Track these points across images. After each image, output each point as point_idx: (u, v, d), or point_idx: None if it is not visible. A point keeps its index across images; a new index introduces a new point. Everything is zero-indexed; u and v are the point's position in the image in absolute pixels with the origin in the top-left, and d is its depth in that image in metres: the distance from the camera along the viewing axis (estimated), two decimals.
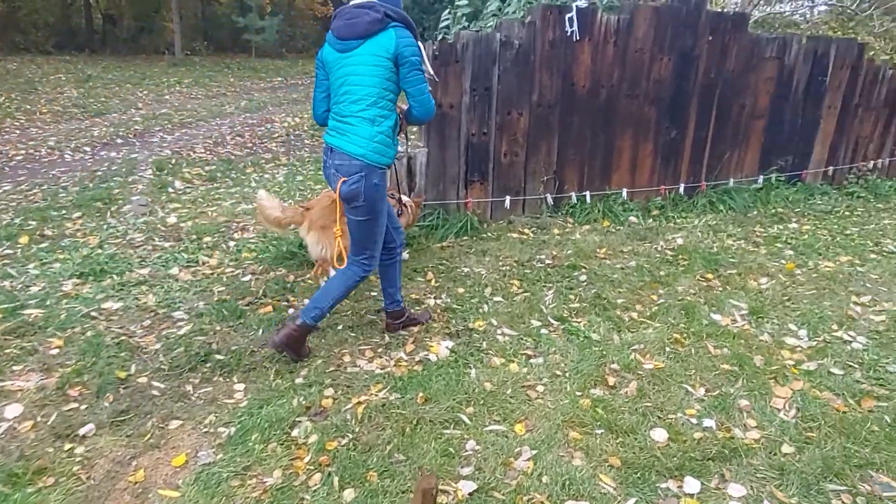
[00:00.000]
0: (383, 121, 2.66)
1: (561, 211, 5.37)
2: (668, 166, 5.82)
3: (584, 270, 4.30)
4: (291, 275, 4.13)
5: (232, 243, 4.72)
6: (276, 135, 9.53)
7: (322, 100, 2.82)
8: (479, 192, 4.99)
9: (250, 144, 8.82)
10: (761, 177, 6.42)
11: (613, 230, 5.21)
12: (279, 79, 17.60)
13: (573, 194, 5.35)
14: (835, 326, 3.65)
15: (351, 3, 2.65)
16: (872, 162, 7.32)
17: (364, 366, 3.09)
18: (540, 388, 2.93)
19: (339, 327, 3.44)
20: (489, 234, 4.93)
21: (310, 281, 4.01)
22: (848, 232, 5.48)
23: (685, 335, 3.45)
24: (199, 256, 4.43)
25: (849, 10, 10.66)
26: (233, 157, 7.95)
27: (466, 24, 4.73)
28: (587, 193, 5.40)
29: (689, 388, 2.96)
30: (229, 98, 13.48)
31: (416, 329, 3.42)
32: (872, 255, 4.88)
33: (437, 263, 4.34)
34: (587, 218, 5.34)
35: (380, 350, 3.24)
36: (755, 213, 5.98)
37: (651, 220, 5.51)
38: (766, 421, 2.74)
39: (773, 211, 6.04)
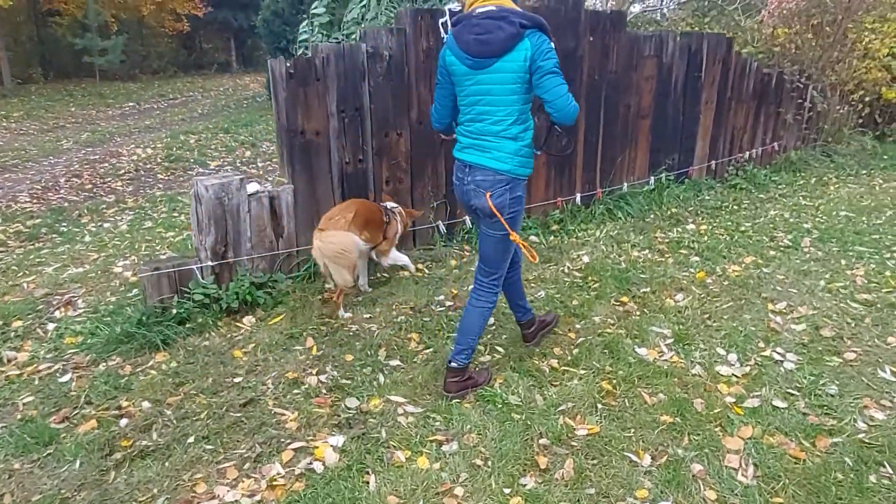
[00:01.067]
0: (525, 134, 2.58)
1: (456, 238, 4.81)
2: (562, 176, 5.46)
3: None
4: (128, 364, 3.20)
5: (51, 326, 3.68)
6: (123, 171, 8.22)
7: (447, 107, 2.64)
8: None
9: (89, 186, 7.49)
10: (652, 178, 6.28)
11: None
12: (130, 104, 15.75)
13: (467, 218, 4.81)
14: (762, 344, 3.36)
15: (476, 9, 2.36)
16: (748, 152, 7.49)
17: (226, 495, 2.30)
18: (459, 492, 2.30)
19: (191, 440, 2.61)
20: (379, 275, 4.25)
21: (153, 373, 3.11)
22: (742, 228, 5.40)
23: (615, 382, 2.98)
24: (2, 352, 3.37)
25: (704, 5, 11.13)
26: (65, 205, 6.65)
27: (325, 34, 4.06)
28: (466, 220, 4.89)
29: (634, 458, 2.47)
30: (68, 131, 11.71)
31: (322, 411, 2.75)
32: (772, 252, 4.78)
33: (319, 324, 3.60)
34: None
35: (247, 466, 2.46)
36: (652, 216, 5.79)
37: (552, 237, 5.11)
38: (727, 489, 2.30)
39: (669, 213, 5.88)
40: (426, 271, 4.38)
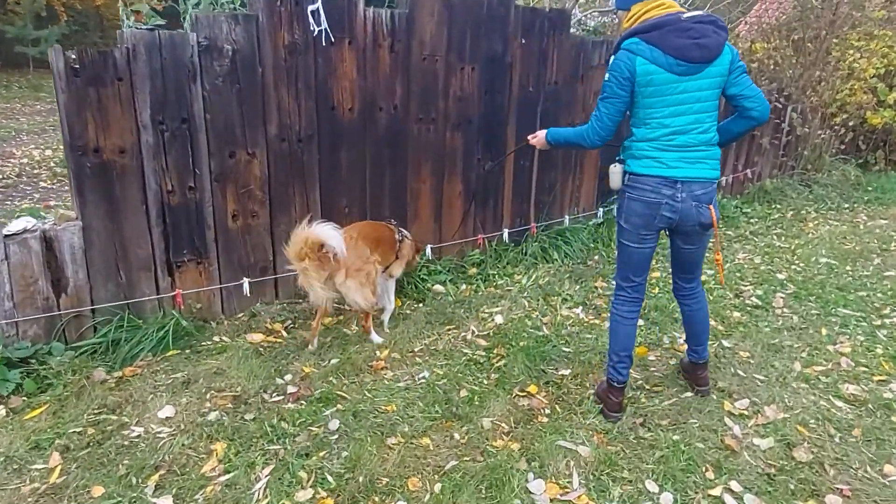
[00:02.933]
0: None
1: None
2: (485, 208, 4.45)
3: (340, 407, 2.70)
4: None
5: None
6: (2, 176, 7.05)
7: (618, 122, 2.44)
8: (195, 277, 3.24)
9: None
10: (601, 210, 5.30)
11: (409, 311, 3.69)
12: None
13: None
14: (710, 474, 2.36)
15: (682, 14, 2.26)
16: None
17: None
18: None
19: None
20: (214, 343, 3.18)
21: None
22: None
23: None
24: None
25: None
26: None
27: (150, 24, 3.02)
28: None
29: None
30: None
31: None
32: (737, 315, 3.81)
33: (89, 421, 2.52)
34: None
35: None
36: (596, 257, 4.81)
37: (464, 286, 4.09)
38: None
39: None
40: (284, 334, 3.32)
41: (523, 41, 4.24)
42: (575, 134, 2.57)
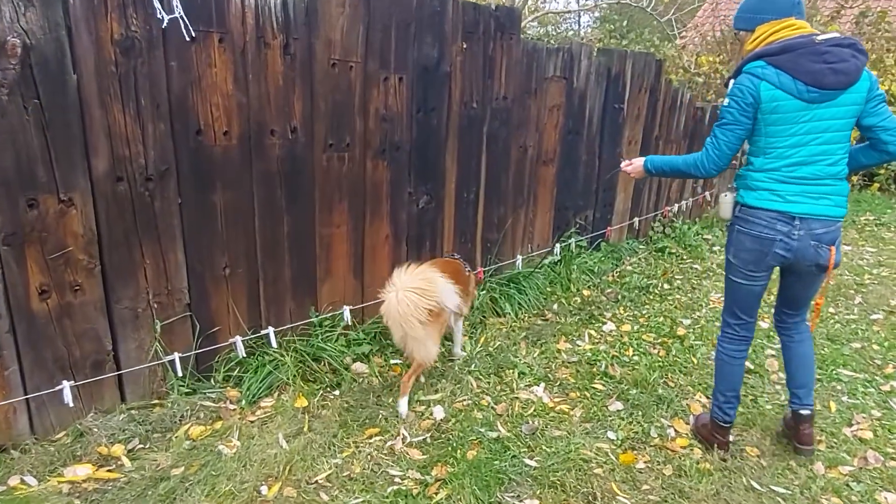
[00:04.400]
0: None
1: (214, 379, 2.74)
2: (420, 252, 3.54)
3: None
4: None
5: None
6: None
7: (735, 151, 2.25)
8: None
9: None
10: (558, 246, 4.50)
11: (319, 405, 2.72)
12: None
13: (237, 341, 2.75)
14: None
15: (816, 36, 2.08)
16: (677, 205, 5.94)
17: None
18: None
19: None
20: (8, 490, 2.10)
21: None
22: (680, 331, 3.68)
23: None
24: None
25: (623, 26, 9.76)
26: None
27: None
28: (270, 332, 2.85)
29: None
30: None
31: None
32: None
33: None
34: (268, 386, 2.77)
35: None
36: (556, 306, 4.00)
37: (395, 360, 3.15)
38: None
39: (579, 301, 4.11)
40: (126, 463, 2.28)
41: (465, 46, 3.37)
42: (685, 163, 2.38)
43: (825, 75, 2.04)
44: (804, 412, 2.47)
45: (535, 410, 2.78)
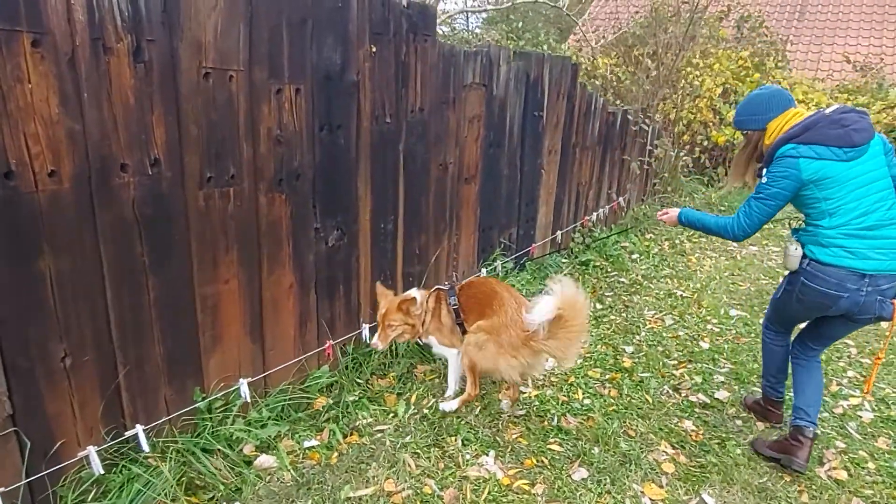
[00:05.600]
0: None
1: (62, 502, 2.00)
2: (333, 300, 2.94)
3: None
4: None
5: None
6: None
7: (764, 223, 2.47)
8: None
9: None
10: (483, 270, 4.06)
11: None
12: None
13: (91, 453, 2.01)
14: None
15: (824, 110, 2.37)
16: (594, 213, 5.73)
17: None
18: None
19: None
20: None
21: None
22: (625, 361, 3.38)
23: None
24: None
25: (518, 27, 9.56)
26: None
27: None
28: (139, 431, 2.13)
29: None
30: None
31: None
32: (689, 428, 2.76)
33: None
34: None
35: None
36: None
37: (311, 442, 2.54)
38: None
39: None
40: None
41: (374, 49, 2.81)
42: (717, 225, 2.59)
43: (850, 135, 2.26)
44: (810, 431, 2.48)
45: (490, 493, 2.29)
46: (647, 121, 6.45)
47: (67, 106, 1.77)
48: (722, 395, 3.11)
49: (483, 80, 3.66)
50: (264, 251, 2.52)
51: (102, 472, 2.03)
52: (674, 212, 2.80)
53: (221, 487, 2.20)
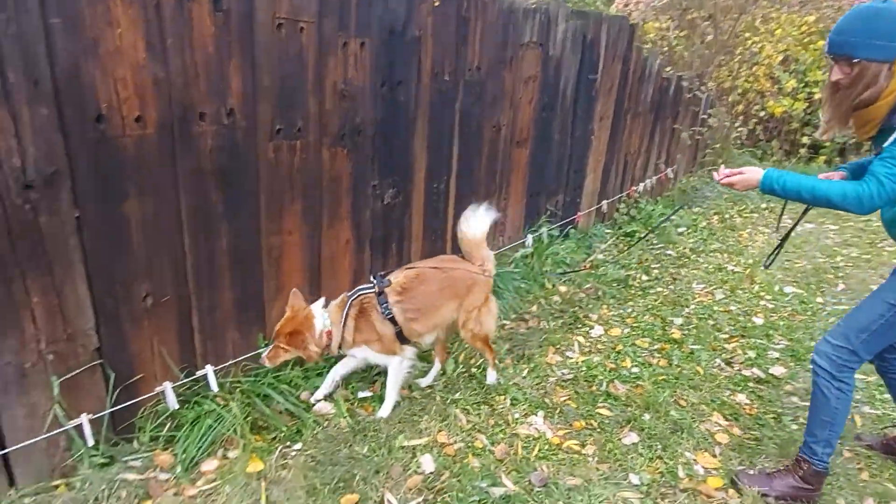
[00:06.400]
0: None
1: (138, 441, 2.12)
2: (386, 256, 2.99)
3: None
4: None
5: None
6: None
7: None
8: None
9: None
10: (530, 236, 4.06)
11: (277, 467, 2.16)
12: None
13: (167, 389, 2.13)
14: None
15: None
16: (641, 184, 5.63)
17: None
18: None
19: None
20: None
21: None
22: (673, 331, 3.37)
23: None
24: None
25: None
26: None
27: None
28: (209, 372, 2.24)
29: None
30: None
31: None
32: (743, 401, 2.75)
33: None
34: (210, 443, 2.17)
35: None
36: (535, 308, 3.58)
37: (364, 393, 2.62)
38: None
39: (559, 300, 3.71)
40: None
41: (437, 3, 2.78)
42: (840, 194, 1.83)
43: None
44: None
45: (540, 451, 2.34)
46: (701, 88, 6.24)
47: (153, 52, 1.81)
48: (777, 370, 3.07)
49: (540, 38, 3.59)
50: (325, 205, 2.57)
51: (177, 406, 2.15)
52: (752, 172, 2.02)
53: (284, 429, 2.30)
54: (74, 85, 1.69)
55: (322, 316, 2.33)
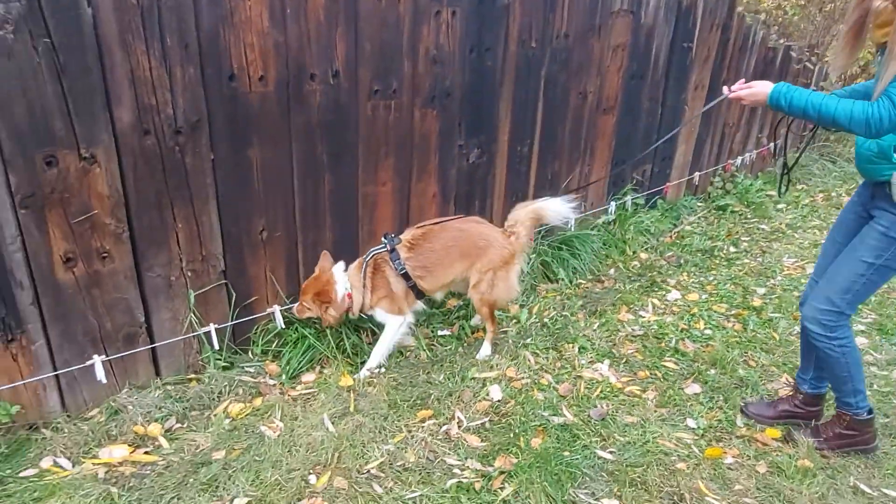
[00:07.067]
0: None
1: (252, 352, 2.54)
2: (469, 212, 3.22)
3: None
4: None
5: None
6: None
7: None
8: (5, 365, 1.96)
9: None
10: (613, 203, 4.14)
11: (364, 383, 2.50)
12: None
13: (276, 311, 2.52)
14: None
15: None
16: (740, 158, 5.46)
17: None
18: None
19: None
20: (41, 474, 1.94)
21: None
22: (755, 301, 3.36)
23: None
24: None
25: None
26: None
27: None
28: None
29: None
30: None
31: None
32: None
33: None
34: (308, 360, 2.55)
35: None
36: (612, 271, 3.69)
37: (444, 332, 2.91)
38: None
39: (638, 266, 3.80)
40: (164, 444, 2.10)
41: None
42: (846, 113, 1.75)
43: None
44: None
45: (602, 392, 2.52)
46: (812, 59, 5.89)
47: (275, 21, 2.15)
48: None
49: (631, 6, 3.63)
50: (415, 161, 2.85)
51: (283, 326, 2.54)
52: (762, 86, 1.98)
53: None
54: (214, 48, 2.06)
55: (343, 279, 2.43)
